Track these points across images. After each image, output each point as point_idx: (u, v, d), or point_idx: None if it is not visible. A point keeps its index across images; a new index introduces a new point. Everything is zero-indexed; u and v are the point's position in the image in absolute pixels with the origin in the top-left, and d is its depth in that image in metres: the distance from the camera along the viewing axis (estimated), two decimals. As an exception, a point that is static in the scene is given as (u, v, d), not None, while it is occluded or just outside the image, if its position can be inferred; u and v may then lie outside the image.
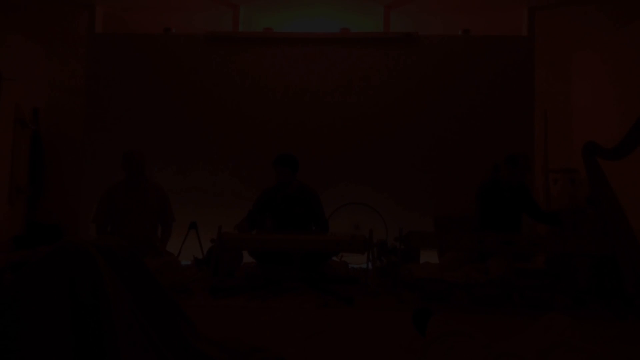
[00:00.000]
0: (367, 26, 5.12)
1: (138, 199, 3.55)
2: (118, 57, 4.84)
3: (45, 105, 5.65)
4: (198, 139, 4.78)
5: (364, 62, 4.80)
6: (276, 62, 4.82)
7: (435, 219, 4.47)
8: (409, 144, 4.73)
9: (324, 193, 3.96)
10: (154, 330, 1.42)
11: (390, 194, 4.68)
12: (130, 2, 4.81)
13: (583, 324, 1.58)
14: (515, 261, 3.47)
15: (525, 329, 1.61)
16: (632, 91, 4.77)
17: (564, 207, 5.16)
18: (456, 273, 3.52)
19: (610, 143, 3.21)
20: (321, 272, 3.62)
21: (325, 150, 4.73)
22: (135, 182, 3.56)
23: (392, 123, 4.75)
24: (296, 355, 1.89)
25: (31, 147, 5.42)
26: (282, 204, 3.81)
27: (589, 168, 3.28)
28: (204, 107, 4.80)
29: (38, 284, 1.24)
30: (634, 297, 2.83)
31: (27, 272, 1.27)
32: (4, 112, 4.96)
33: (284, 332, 2.32)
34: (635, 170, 4.49)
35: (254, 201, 3.90)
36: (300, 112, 4.78)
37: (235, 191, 4.66)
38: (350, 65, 4.80)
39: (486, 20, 5.03)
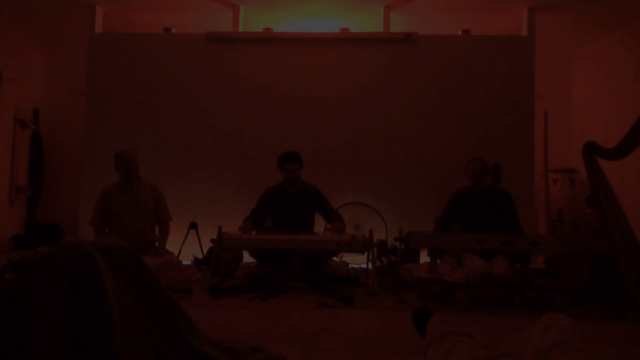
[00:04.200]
0: (367, 26, 5.13)
1: (133, 199, 3.54)
2: (118, 57, 4.84)
3: (45, 105, 5.66)
4: (198, 138, 4.78)
5: (364, 62, 4.80)
6: (276, 62, 4.82)
7: (436, 219, 4.47)
8: (408, 144, 4.73)
9: (324, 193, 3.96)
10: (154, 330, 1.42)
11: (390, 194, 4.68)
12: (130, 2, 4.81)
13: (583, 324, 1.58)
14: (514, 261, 3.48)
15: (525, 329, 1.61)
16: (632, 91, 4.77)
17: (564, 207, 5.18)
18: (456, 273, 3.53)
19: (610, 143, 3.21)
20: (321, 272, 3.63)
21: (325, 150, 4.73)
22: (129, 182, 3.56)
23: (392, 123, 4.75)
24: (296, 355, 1.89)
25: (31, 147, 5.43)
26: (289, 202, 3.81)
27: (588, 168, 3.28)
28: (204, 107, 4.80)
29: (38, 283, 1.24)
30: (634, 297, 2.84)
31: (27, 271, 1.27)
32: (4, 112, 4.96)
33: (284, 332, 2.32)
34: (635, 170, 4.50)
35: (255, 201, 3.89)
36: (300, 112, 4.78)
37: (235, 191, 4.66)
38: (350, 65, 4.80)
39: (486, 20, 5.03)
